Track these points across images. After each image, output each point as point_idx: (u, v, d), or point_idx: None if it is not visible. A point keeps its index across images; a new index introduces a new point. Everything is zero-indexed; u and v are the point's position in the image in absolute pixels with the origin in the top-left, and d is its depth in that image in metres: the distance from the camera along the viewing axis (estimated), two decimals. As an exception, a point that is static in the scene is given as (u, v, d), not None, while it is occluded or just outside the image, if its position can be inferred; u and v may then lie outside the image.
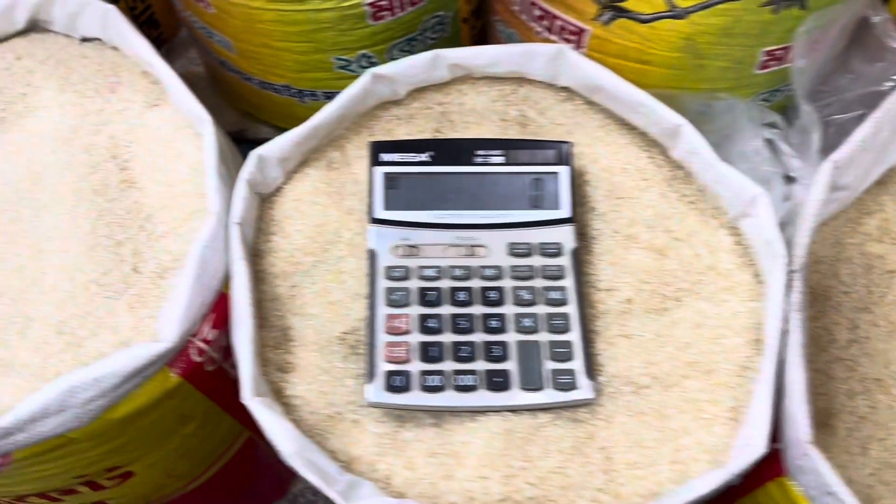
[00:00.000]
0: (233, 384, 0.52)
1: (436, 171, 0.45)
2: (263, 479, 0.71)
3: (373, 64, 0.53)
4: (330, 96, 0.57)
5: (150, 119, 0.51)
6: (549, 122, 0.50)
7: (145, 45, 0.50)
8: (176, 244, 0.47)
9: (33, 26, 0.54)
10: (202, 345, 0.45)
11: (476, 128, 0.50)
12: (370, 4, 0.49)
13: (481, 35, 0.59)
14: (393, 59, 0.55)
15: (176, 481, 0.56)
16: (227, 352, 0.47)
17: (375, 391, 0.40)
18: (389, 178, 0.45)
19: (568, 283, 0.43)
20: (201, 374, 0.47)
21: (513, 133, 0.50)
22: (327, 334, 0.44)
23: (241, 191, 0.45)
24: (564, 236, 0.45)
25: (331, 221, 0.47)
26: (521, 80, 0.51)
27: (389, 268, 0.43)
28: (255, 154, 0.46)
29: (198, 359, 0.45)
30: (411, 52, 0.54)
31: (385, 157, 0.46)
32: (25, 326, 0.45)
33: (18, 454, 0.42)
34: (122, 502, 0.55)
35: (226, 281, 0.45)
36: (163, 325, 0.42)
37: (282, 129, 0.47)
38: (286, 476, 0.76)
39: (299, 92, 0.56)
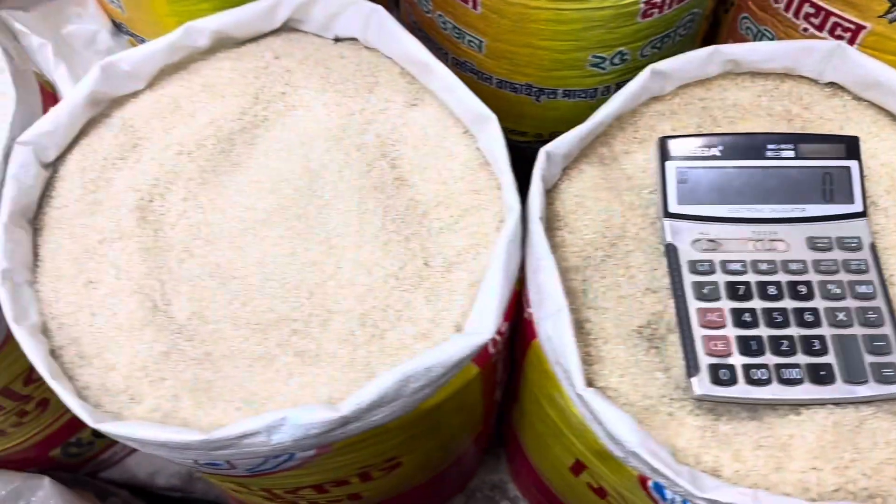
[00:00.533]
0: (496, 377, 0.53)
1: (728, 165, 0.46)
2: (462, 474, 0.72)
3: (624, 61, 0.54)
4: (568, 94, 0.58)
5: (413, 118, 0.52)
6: (817, 118, 0.50)
7: (416, 43, 0.50)
8: (458, 240, 0.48)
9: (285, 26, 0.55)
10: (498, 337, 0.45)
11: (741, 123, 0.50)
12: (645, 2, 0.49)
13: (711, 32, 0.59)
14: (644, 56, 0.55)
15: (423, 474, 0.57)
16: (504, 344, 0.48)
17: (701, 384, 0.41)
18: (681, 172, 0.46)
19: (873, 276, 0.43)
20: (490, 367, 0.48)
21: (781, 128, 0.50)
22: (625, 328, 0.44)
23: (537, 186, 0.46)
24: (861, 231, 0.45)
25: (615, 216, 0.47)
26: (784, 76, 0.51)
27: (694, 262, 0.44)
28: (544, 151, 0.46)
29: (492, 350, 0.46)
30: (661, 49, 0.54)
31: (676, 151, 0.46)
32: (327, 319, 0.46)
33: (338, 444, 0.43)
34: (373, 494, 0.56)
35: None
36: (478, 318, 0.43)
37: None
38: (469, 471, 0.77)
39: (539, 91, 0.56)
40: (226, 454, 0.41)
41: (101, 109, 0.51)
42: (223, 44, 0.54)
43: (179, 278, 0.47)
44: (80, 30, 0.58)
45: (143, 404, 0.42)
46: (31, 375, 0.58)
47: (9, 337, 0.52)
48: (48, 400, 0.63)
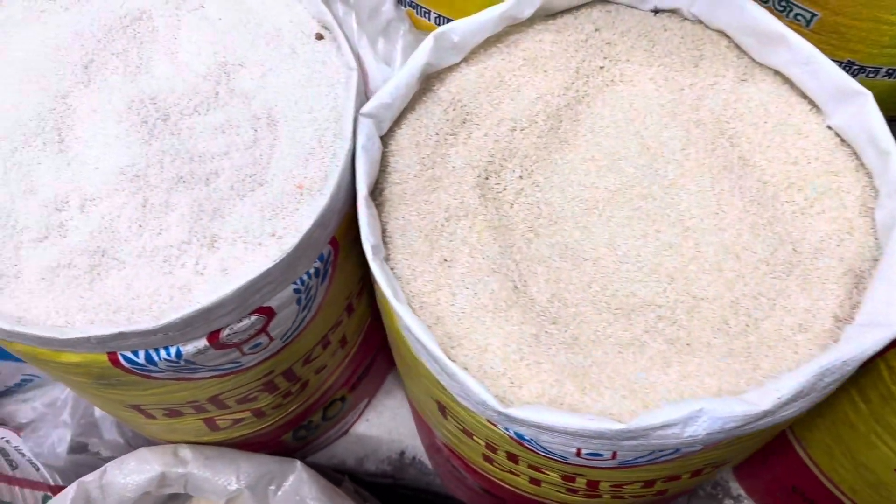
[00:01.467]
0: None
1: None
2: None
3: (969, 36, 0.50)
4: (890, 73, 0.54)
5: (747, 93, 0.49)
6: None
7: (764, 13, 0.48)
8: (818, 224, 0.45)
9: (600, -3, 0.53)
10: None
11: None
12: None
13: None
14: None
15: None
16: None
17: None
18: None
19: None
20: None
21: None
22: None
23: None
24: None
25: None
26: None
27: None
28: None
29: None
30: None
31: None
32: (694, 306, 0.43)
33: (726, 440, 0.41)
34: (671, 493, 0.53)
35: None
36: (882, 309, 0.40)
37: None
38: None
39: (860, 69, 0.53)
40: (629, 444, 0.39)
41: (424, 83, 0.49)
42: (539, 15, 0.51)
43: (531, 258, 0.45)
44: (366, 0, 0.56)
45: (525, 388, 0.40)
46: (310, 356, 0.57)
47: (315, 315, 0.51)
48: (309, 382, 0.62)
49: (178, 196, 0.44)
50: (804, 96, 0.48)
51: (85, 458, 0.76)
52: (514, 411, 0.38)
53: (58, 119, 0.46)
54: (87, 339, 0.40)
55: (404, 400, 0.81)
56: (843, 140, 0.47)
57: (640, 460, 0.41)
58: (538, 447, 0.42)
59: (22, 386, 0.78)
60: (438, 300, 0.43)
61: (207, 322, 0.42)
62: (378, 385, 0.81)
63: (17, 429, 0.76)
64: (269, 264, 0.40)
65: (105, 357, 0.43)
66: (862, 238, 0.44)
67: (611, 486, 0.48)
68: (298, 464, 0.64)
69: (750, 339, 0.42)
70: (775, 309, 0.43)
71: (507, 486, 0.57)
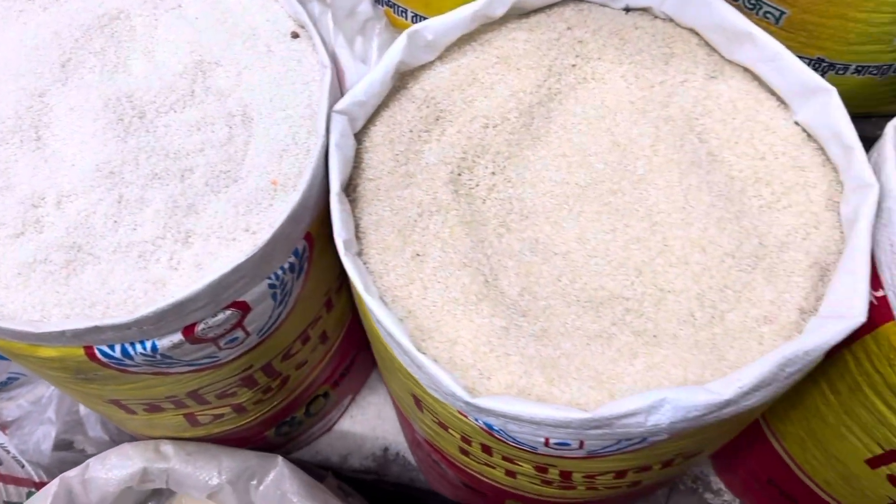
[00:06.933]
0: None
1: None
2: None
3: (935, 34, 0.51)
4: (860, 70, 0.55)
5: (716, 91, 0.50)
6: None
7: (732, 11, 0.48)
8: (784, 218, 0.46)
9: (569, -4, 0.53)
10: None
11: None
12: None
13: None
14: (954, 28, 0.52)
15: (690, 465, 0.55)
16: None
17: None
18: None
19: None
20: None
21: None
22: None
23: (893, 161, 0.43)
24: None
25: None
26: None
27: None
28: (892, 126, 0.44)
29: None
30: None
31: None
32: (661, 298, 0.44)
33: (692, 429, 0.41)
34: (649, 483, 0.54)
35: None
36: (842, 300, 0.41)
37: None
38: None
39: (829, 66, 0.54)
40: (595, 434, 0.39)
41: (398, 80, 0.50)
42: (512, 14, 0.52)
43: (502, 253, 0.46)
44: (343, -1, 0.57)
45: (494, 380, 0.41)
46: (289, 351, 0.57)
47: (292, 310, 0.52)
48: (289, 378, 0.62)
49: (154, 192, 0.44)
50: (772, 93, 0.49)
51: (70, 455, 0.76)
52: (482, 401, 0.39)
53: (35, 117, 0.47)
54: (63, 334, 0.41)
55: (388, 396, 0.81)
56: (810, 136, 0.48)
57: (607, 450, 0.42)
58: (508, 437, 0.42)
59: (8, 384, 0.78)
60: (410, 294, 0.44)
61: (181, 316, 0.42)
62: (362, 381, 0.82)
63: (3, 426, 0.77)
64: (242, 259, 0.41)
65: (82, 351, 0.44)
66: (828, 232, 0.45)
67: (583, 476, 0.49)
68: (280, 459, 0.65)
69: (715, 331, 0.43)
70: (741, 301, 0.44)
71: (485, 480, 0.57)
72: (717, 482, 0.78)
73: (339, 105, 0.46)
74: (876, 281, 0.44)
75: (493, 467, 0.52)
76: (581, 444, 0.41)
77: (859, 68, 0.54)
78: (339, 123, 0.46)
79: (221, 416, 0.61)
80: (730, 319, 0.43)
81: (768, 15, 0.53)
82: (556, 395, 0.41)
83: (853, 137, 0.44)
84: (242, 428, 0.67)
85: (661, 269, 0.45)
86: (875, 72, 0.55)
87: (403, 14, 0.59)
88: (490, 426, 0.42)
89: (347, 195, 0.47)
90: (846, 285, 0.41)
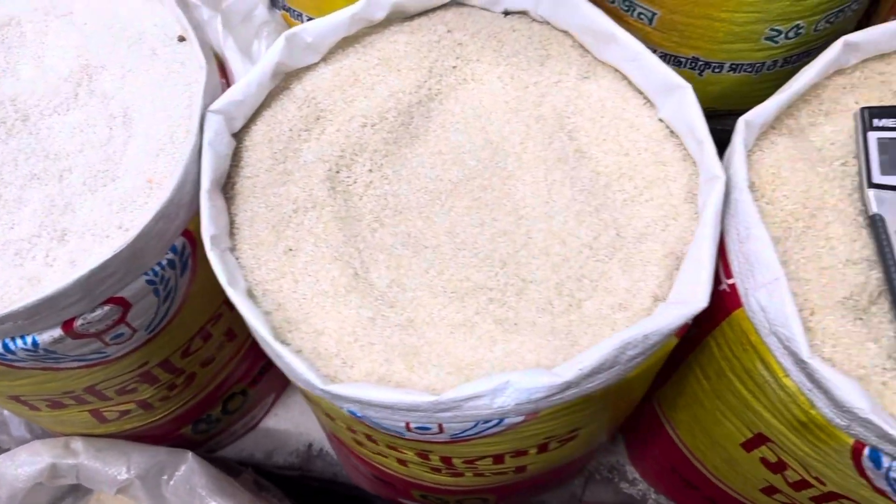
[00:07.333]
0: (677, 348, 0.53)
1: (931, 136, 0.45)
2: (591, 454, 0.72)
3: (798, 35, 0.54)
4: (735, 68, 0.57)
5: (587, 90, 0.52)
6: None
7: (598, 12, 0.50)
8: (645, 211, 0.48)
9: (454, 1, 0.55)
10: (696, 308, 0.45)
11: (926, 96, 0.50)
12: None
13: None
14: (817, 30, 0.55)
15: (583, 449, 0.57)
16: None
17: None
18: (882, 143, 0.45)
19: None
20: (683, 337, 0.47)
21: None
22: (830, 299, 0.44)
23: (740, 155, 0.45)
24: None
25: (813, 187, 0.47)
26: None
27: (904, 232, 0.43)
28: (743, 120, 0.46)
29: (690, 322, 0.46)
30: (833, 24, 0.54)
31: (878, 122, 0.46)
32: (523, 288, 0.46)
33: (545, 412, 0.43)
34: (535, 469, 0.56)
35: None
36: (687, 287, 0.43)
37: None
38: (595, 451, 0.77)
39: (705, 64, 0.56)
40: (446, 416, 0.41)
41: (280, 81, 0.52)
42: (395, 17, 0.54)
43: (374, 247, 0.47)
44: (239, 3, 0.58)
45: (356, 368, 0.43)
46: (189, 348, 0.59)
47: (182, 306, 0.53)
48: (195, 374, 0.64)
49: (32, 192, 0.46)
50: (640, 92, 0.51)
51: (-8, 455, 0.77)
52: (335, 388, 0.40)
53: (-82, 119, 0.48)
54: (-62, 330, 0.42)
55: (312, 393, 0.82)
56: (672, 132, 0.50)
57: (468, 433, 0.44)
58: (374, 423, 0.44)
59: (-68, 387, 0.79)
60: (281, 287, 0.45)
61: (56, 311, 0.44)
62: (285, 380, 0.83)
63: (-75, 428, 0.77)
64: (110, 254, 0.42)
65: (-36, 347, 0.45)
66: (685, 223, 0.47)
67: (463, 461, 0.51)
68: (189, 454, 0.66)
69: (572, 318, 0.45)
70: (598, 290, 0.46)
71: (386, 470, 0.59)
72: (632, 472, 0.80)
73: (215, 105, 0.48)
74: (727, 269, 0.46)
75: (385, 456, 0.53)
76: (440, 428, 0.43)
77: (734, 66, 0.57)
78: (213, 122, 0.48)
79: (128, 412, 0.62)
80: (586, 307, 0.45)
81: (642, 16, 0.56)
82: (414, 382, 0.42)
83: (704, 132, 0.46)
84: (154, 425, 0.68)
85: (525, 261, 0.47)
86: (749, 69, 0.57)
87: (299, 18, 0.61)
88: (354, 413, 0.43)
89: (224, 192, 0.48)
90: (692, 273, 0.43)
